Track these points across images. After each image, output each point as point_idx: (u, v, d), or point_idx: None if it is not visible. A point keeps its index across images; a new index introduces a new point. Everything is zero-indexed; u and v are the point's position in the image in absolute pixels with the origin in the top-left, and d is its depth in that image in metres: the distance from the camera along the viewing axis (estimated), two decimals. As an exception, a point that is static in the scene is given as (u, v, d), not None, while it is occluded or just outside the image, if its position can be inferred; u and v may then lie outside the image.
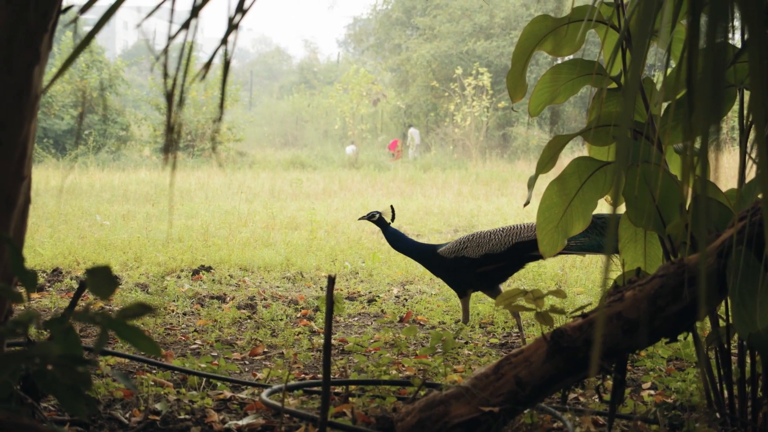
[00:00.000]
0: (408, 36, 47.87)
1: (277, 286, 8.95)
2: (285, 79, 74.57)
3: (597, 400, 4.44)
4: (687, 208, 3.62)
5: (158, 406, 4.28)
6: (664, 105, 4.12)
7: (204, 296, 8.15)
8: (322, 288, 8.90)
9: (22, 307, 5.87)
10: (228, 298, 8.11)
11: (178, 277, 9.30)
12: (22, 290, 2.69)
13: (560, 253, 6.22)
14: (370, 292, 8.69)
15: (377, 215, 6.69)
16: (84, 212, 14.96)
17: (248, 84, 69.06)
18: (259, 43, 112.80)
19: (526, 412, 3.80)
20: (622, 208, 4.20)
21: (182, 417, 4.19)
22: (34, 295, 7.82)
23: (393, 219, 6.65)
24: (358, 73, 40.38)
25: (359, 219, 7.01)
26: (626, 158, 3.82)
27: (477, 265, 6.36)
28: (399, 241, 6.63)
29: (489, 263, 6.37)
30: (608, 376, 3.57)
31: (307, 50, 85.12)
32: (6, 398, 2.72)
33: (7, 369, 2.43)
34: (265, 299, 8.11)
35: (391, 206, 6.80)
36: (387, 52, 49.91)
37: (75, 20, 2.77)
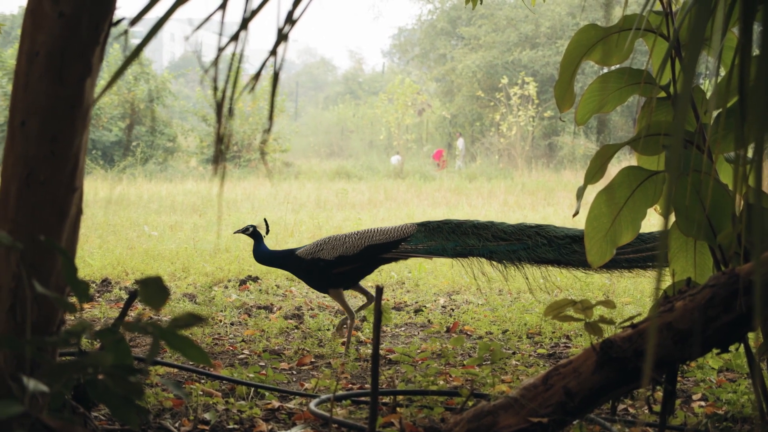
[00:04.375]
0: (453, 46, 47.74)
1: (324, 296, 8.96)
2: (330, 89, 74.69)
3: (647, 411, 4.40)
4: (738, 217, 3.58)
5: (207, 416, 4.31)
6: (714, 113, 4.08)
7: (251, 306, 8.19)
8: (368, 298, 8.90)
9: (73, 317, 5.93)
10: (275, 308, 8.14)
11: (226, 287, 9.36)
12: (74, 300, 2.72)
13: (410, 256, 6.40)
14: (416, 302, 8.68)
15: (251, 228, 6.76)
16: (132, 223, 15.08)
17: (294, 94, 69.32)
18: (304, 53, 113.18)
19: (575, 423, 3.78)
20: (671, 218, 4.16)
21: (231, 427, 4.21)
22: (84, 306, 7.89)
23: (267, 232, 6.74)
24: (404, 83, 40.37)
25: (234, 233, 7.08)
26: (678, 167, 3.79)
27: (332, 267, 6.55)
28: (264, 255, 6.76)
29: (343, 265, 6.56)
30: (658, 387, 3.54)
31: (352, 61, 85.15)
32: (59, 407, 2.76)
33: (60, 378, 2.46)
34: (311, 309, 8.13)
35: (265, 219, 6.87)
36: (432, 62, 49.80)
37: (125, 33, 2.80)
